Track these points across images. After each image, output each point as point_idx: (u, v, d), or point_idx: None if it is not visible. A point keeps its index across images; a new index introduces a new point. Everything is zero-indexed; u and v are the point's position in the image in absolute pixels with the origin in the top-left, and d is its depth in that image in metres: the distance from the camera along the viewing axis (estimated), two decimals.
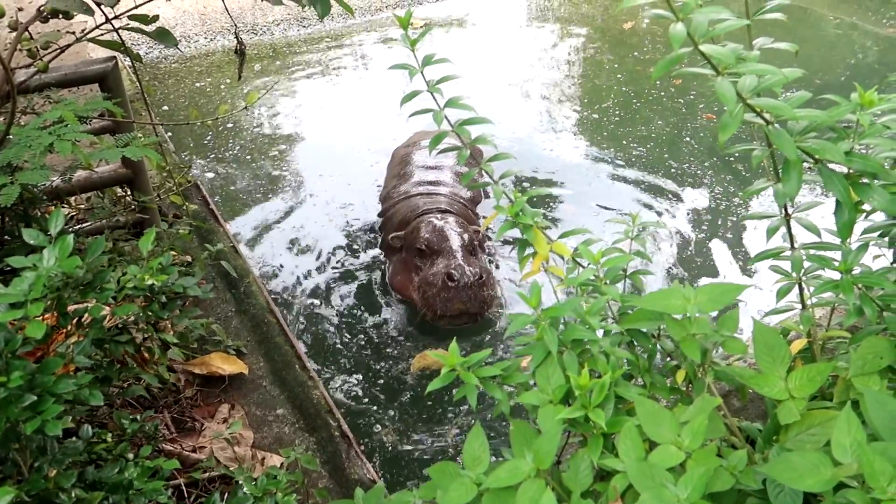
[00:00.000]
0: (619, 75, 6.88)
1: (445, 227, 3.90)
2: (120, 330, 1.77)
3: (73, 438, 1.72)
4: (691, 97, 6.23)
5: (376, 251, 4.43)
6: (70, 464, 1.49)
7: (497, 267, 4.27)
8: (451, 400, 3.36)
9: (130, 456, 1.72)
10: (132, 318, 1.85)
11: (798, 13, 8.05)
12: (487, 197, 4.81)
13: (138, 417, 1.99)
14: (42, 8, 2.83)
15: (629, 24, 8.15)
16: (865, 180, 1.34)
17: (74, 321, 1.55)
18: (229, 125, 5.89)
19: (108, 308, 1.59)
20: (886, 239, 1.70)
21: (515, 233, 1.82)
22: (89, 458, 1.69)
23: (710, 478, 1.35)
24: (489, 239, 4.40)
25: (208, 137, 5.73)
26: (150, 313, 1.66)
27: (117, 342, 1.70)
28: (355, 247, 4.50)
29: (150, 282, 1.56)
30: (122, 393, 2.50)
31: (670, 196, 4.92)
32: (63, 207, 3.66)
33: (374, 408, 3.38)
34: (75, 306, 1.52)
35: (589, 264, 1.78)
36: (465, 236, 3.86)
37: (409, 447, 3.18)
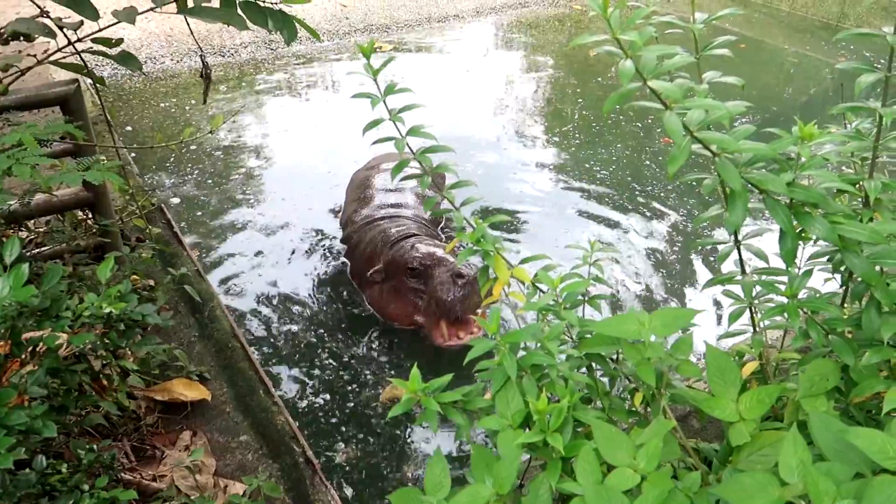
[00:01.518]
0: (580, 100, 7.03)
1: (429, 244, 3.94)
2: (77, 358, 1.74)
3: (27, 470, 1.68)
4: (649, 121, 6.39)
5: (340, 275, 4.42)
6: (22, 496, 1.45)
7: None
8: (416, 426, 3.36)
9: (86, 487, 1.69)
10: (89, 346, 1.82)
11: (754, 44, 8.34)
12: (449, 221, 4.86)
13: (95, 447, 1.95)
14: (2, 31, 2.81)
15: (595, 52, 8.35)
16: (808, 210, 1.40)
17: (29, 350, 1.52)
18: (192, 147, 5.86)
19: (64, 336, 1.57)
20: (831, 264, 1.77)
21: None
22: (43, 490, 1.65)
23: (664, 500, 1.38)
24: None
25: (171, 159, 5.68)
26: (107, 341, 1.64)
27: (72, 371, 1.67)
28: (319, 271, 4.49)
29: (108, 310, 1.55)
30: (80, 422, 2.44)
31: (636, 218, 5.02)
32: (21, 232, 3.59)
33: (340, 433, 3.35)
34: (30, 335, 1.50)
35: (549, 289, 1.81)
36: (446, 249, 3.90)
37: (375, 473, 3.16)
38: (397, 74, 6.84)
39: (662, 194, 5.27)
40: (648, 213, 5.05)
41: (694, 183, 5.26)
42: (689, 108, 1.31)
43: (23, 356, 1.51)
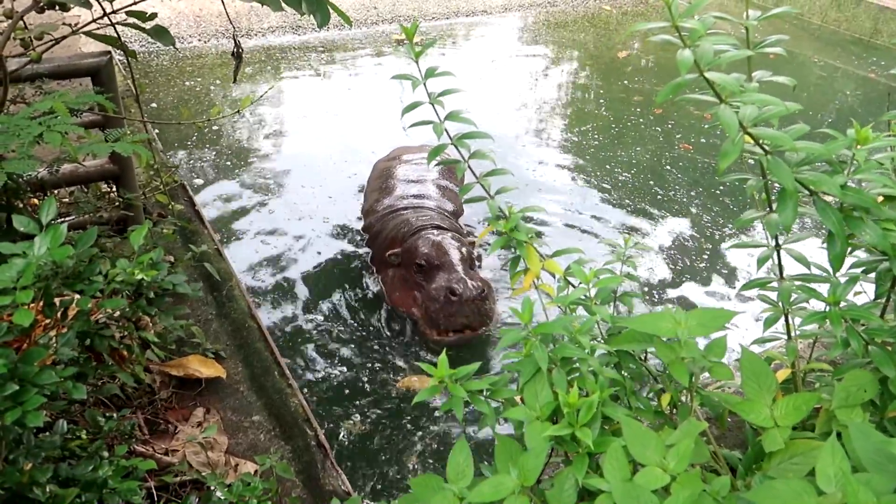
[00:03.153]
0: (601, 100, 6.98)
1: (444, 242, 3.91)
2: (104, 325, 1.74)
3: (48, 433, 1.68)
4: (669, 126, 6.33)
5: (358, 262, 4.41)
6: (45, 459, 1.45)
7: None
8: (432, 414, 3.34)
9: (105, 454, 1.68)
10: (115, 314, 1.82)
11: (784, 56, 8.22)
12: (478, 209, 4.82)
13: (115, 416, 1.95)
14: None
15: (624, 54, 8.28)
16: (858, 214, 1.36)
17: (59, 312, 1.51)
18: (214, 128, 5.86)
19: (93, 301, 1.56)
20: (871, 275, 1.74)
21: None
22: (63, 455, 1.65)
23: (694, 502, 1.35)
24: (484, 253, 4.41)
25: (193, 138, 5.69)
26: (136, 308, 1.63)
27: (102, 336, 1.66)
28: (338, 258, 4.48)
29: (139, 276, 1.54)
30: (96, 391, 2.44)
31: (658, 222, 4.97)
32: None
33: (354, 418, 3.34)
34: (61, 298, 1.49)
35: (580, 283, 1.79)
36: (464, 250, 3.88)
37: (386, 459, 3.15)
38: (423, 66, 6.78)
39: (685, 199, 5.22)
40: (672, 218, 5.01)
41: (720, 189, 5.26)
42: (742, 104, 1.28)
43: (53, 318, 1.51)
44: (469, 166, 1.87)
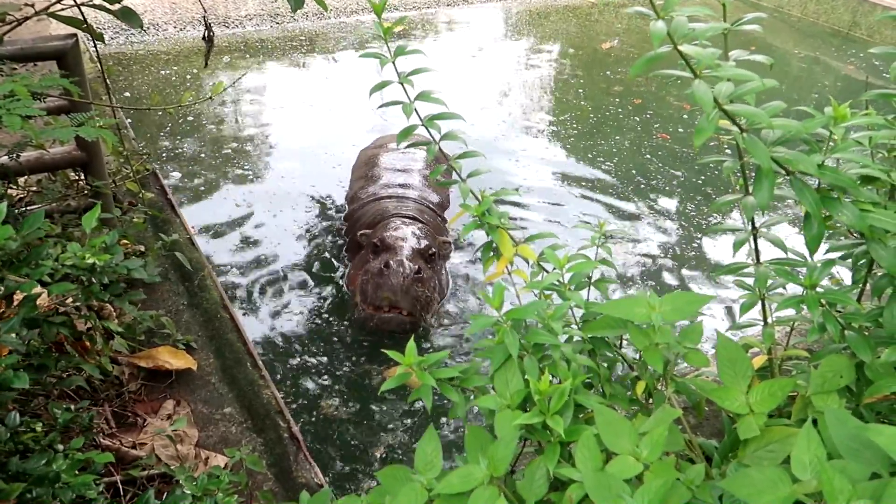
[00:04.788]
0: (580, 90, 6.95)
1: (403, 229, 3.86)
2: (58, 312, 1.66)
3: None
4: (647, 116, 6.31)
5: (337, 253, 4.34)
6: None
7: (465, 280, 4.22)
8: (414, 403, 3.29)
9: (60, 447, 1.61)
10: (72, 302, 1.74)
11: (764, 48, 8.24)
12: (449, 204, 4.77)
13: (72, 408, 1.88)
14: None
15: (607, 45, 8.25)
16: (835, 195, 1.33)
17: (3, 298, 1.44)
18: (190, 118, 5.75)
19: (42, 288, 1.49)
20: (849, 261, 1.71)
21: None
22: (15, 448, 1.58)
23: (667, 491, 1.31)
24: (456, 249, 4.35)
25: (167, 128, 5.57)
26: (89, 294, 1.55)
27: (50, 323, 1.59)
28: (317, 248, 4.41)
29: (91, 261, 1.46)
30: (60, 383, 2.36)
31: (642, 209, 4.95)
32: (11, 189, 3.50)
33: (328, 410, 3.29)
34: (10, 283, 1.41)
35: (553, 269, 1.74)
36: (423, 243, 3.81)
37: (362, 451, 3.10)
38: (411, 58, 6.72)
39: (668, 188, 5.20)
40: (654, 205, 4.99)
41: (701, 179, 5.24)
42: (719, 79, 1.24)
43: None
44: (441, 149, 1.82)
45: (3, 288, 1.34)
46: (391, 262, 3.51)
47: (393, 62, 1.73)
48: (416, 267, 3.52)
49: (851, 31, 9.08)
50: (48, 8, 2.89)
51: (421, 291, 3.54)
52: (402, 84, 1.73)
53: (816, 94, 7.19)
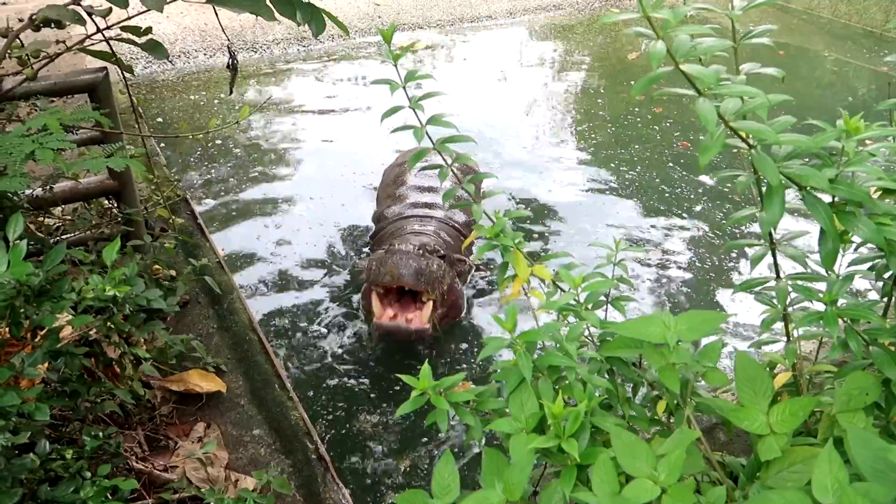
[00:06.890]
0: (599, 100, 6.91)
1: (413, 238, 3.90)
2: (86, 344, 1.71)
3: (31, 454, 1.65)
4: (667, 125, 6.23)
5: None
6: (18, 481, 1.42)
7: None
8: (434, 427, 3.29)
9: (88, 474, 1.65)
10: (96, 332, 1.79)
11: (795, 51, 8.11)
12: None
13: (101, 434, 1.92)
14: (34, 17, 2.82)
15: (634, 56, 8.21)
16: (851, 209, 1.30)
17: (30, 332, 1.49)
18: (218, 141, 5.86)
19: (66, 319, 1.54)
20: (874, 272, 1.66)
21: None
22: (45, 476, 1.62)
23: None
24: (476, 268, 4.35)
25: (197, 153, 5.69)
26: (111, 325, 1.60)
27: (73, 354, 1.64)
28: (345, 268, 4.45)
29: (111, 293, 1.51)
30: (93, 408, 2.42)
31: (665, 220, 4.89)
32: (47, 218, 3.61)
33: (355, 431, 3.30)
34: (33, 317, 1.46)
35: (570, 289, 1.73)
36: (431, 244, 3.82)
37: (388, 473, 3.10)
38: (427, 68, 6.81)
39: (693, 196, 5.13)
40: (678, 216, 4.92)
41: (727, 187, 5.16)
42: (725, 96, 1.23)
43: (20, 336, 1.48)
44: (454, 171, 1.83)
45: (27, 322, 1.39)
46: (395, 243, 3.53)
47: (403, 87, 1.75)
48: (418, 245, 3.53)
49: (885, 31, 8.88)
50: (79, 43, 3.00)
51: (425, 265, 3.47)
52: (413, 109, 1.75)
53: (850, 99, 7.03)
